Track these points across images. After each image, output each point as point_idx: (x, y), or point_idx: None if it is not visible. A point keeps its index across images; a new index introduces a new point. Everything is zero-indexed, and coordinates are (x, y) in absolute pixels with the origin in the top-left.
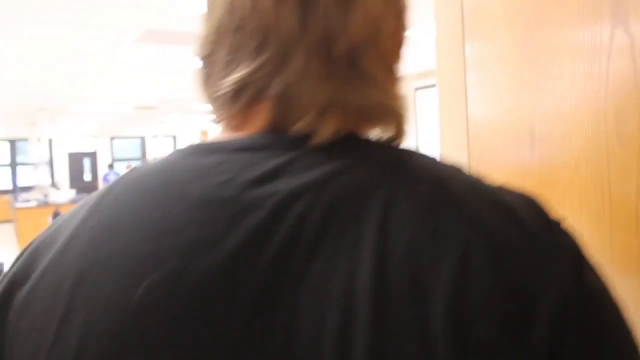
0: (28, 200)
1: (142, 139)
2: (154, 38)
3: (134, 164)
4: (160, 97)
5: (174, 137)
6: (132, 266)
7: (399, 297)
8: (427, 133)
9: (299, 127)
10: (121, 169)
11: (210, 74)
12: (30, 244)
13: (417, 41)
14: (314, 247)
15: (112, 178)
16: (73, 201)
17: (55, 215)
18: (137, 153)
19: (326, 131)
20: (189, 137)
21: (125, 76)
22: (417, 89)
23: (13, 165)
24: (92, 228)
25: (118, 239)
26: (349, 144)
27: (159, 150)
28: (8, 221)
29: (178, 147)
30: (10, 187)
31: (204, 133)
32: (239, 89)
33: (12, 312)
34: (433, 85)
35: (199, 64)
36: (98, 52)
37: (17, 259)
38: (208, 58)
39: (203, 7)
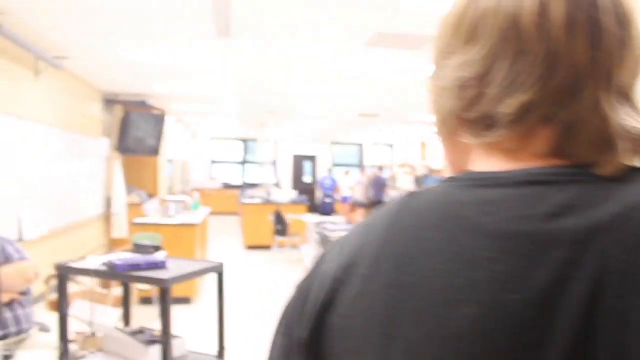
0: (253, 197)
1: (360, 146)
2: (383, 41)
3: (352, 170)
4: (384, 104)
5: (391, 146)
6: (448, 294)
7: None
8: None
9: (585, 156)
10: (339, 174)
11: (482, 94)
12: (336, 246)
13: None
14: (624, 284)
15: (327, 182)
16: (294, 202)
17: (277, 215)
18: (355, 159)
19: (613, 162)
20: (406, 147)
21: (352, 81)
22: None
23: (244, 163)
24: (395, 254)
25: (422, 266)
26: (634, 175)
27: (376, 159)
28: (236, 214)
29: (394, 156)
30: (240, 183)
31: (424, 145)
32: (524, 113)
33: (336, 309)
34: None
35: (463, 82)
36: (327, 54)
37: (325, 259)
38: (481, 78)
39: (441, 9)
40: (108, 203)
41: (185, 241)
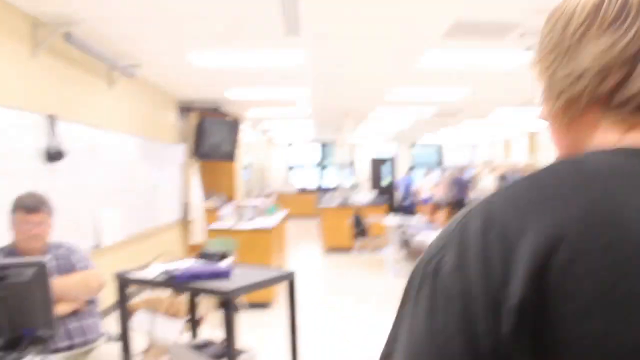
0: (331, 200)
1: (440, 147)
2: (463, 31)
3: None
4: (465, 100)
5: (473, 146)
6: None
7: None
8: None
9: None
10: (419, 175)
11: (630, 74)
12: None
13: None
14: None
15: (407, 183)
16: (373, 203)
17: (356, 217)
18: (434, 160)
19: None
20: (487, 145)
21: (429, 77)
22: None
23: (320, 167)
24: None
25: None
26: None
27: (456, 158)
28: (314, 217)
29: (475, 155)
30: (317, 186)
31: (507, 143)
32: None
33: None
34: None
35: (609, 63)
36: (402, 50)
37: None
38: (631, 58)
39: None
40: (185, 209)
41: (260, 246)
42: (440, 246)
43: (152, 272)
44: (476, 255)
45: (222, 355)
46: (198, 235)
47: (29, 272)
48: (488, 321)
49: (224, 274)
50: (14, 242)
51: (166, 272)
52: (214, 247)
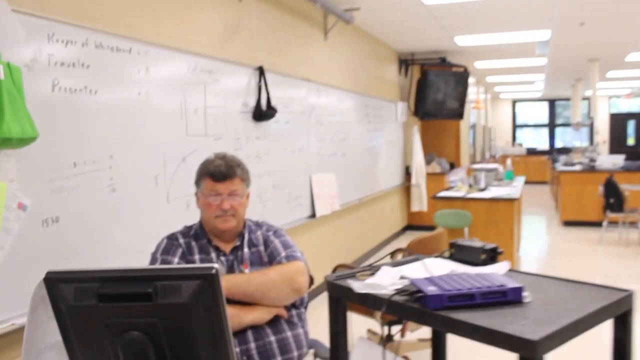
0: (571, 164)
1: None
2: None
3: None
4: None
5: None
6: None
7: None
8: None
9: None
10: None
11: None
12: None
13: None
14: None
15: None
16: (626, 169)
17: (610, 184)
18: None
19: None
20: None
21: None
22: None
23: (551, 126)
24: None
25: None
26: None
27: None
28: (545, 183)
29: None
30: (547, 148)
31: None
32: None
33: None
34: None
35: None
36: None
37: None
38: None
39: None
40: (406, 173)
41: (501, 221)
42: None
43: (384, 279)
44: None
45: None
46: (421, 203)
47: (190, 288)
48: None
49: (514, 296)
50: (200, 223)
51: (409, 290)
52: (446, 220)
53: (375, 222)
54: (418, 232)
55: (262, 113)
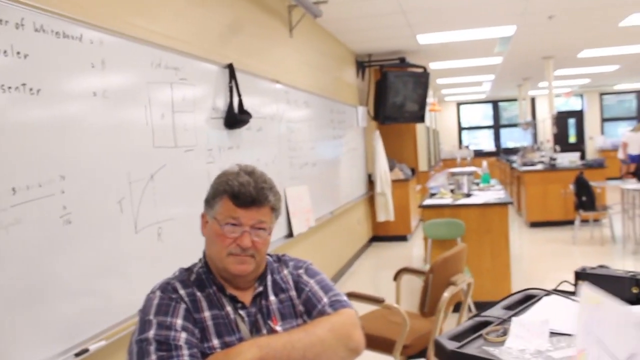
0: (533, 164)
1: (638, 94)
2: None
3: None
4: None
5: None
6: None
7: None
8: None
9: None
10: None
11: None
12: None
13: None
14: None
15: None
16: (588, 166)
17: (580, 181)
18: (630, 111)
19: None
20: None
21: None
22: None
23: (496, 127)
24: None
25: None
26: None
27: None
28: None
29: None
30: (493, 149)
31: None
32: None
33: None
34: None
35: None
36: None
37: None
38: None
39: None
40: (369, 182)
41: (495, 227)
42: None
43: (531, 340)
44: None
45: None
46: (387, 213)
47: None
48: None
49: None
50: (204, 262)
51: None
52: (438, 231)
53: (344, 236)
54: (384, 243)
55: (235, 119)
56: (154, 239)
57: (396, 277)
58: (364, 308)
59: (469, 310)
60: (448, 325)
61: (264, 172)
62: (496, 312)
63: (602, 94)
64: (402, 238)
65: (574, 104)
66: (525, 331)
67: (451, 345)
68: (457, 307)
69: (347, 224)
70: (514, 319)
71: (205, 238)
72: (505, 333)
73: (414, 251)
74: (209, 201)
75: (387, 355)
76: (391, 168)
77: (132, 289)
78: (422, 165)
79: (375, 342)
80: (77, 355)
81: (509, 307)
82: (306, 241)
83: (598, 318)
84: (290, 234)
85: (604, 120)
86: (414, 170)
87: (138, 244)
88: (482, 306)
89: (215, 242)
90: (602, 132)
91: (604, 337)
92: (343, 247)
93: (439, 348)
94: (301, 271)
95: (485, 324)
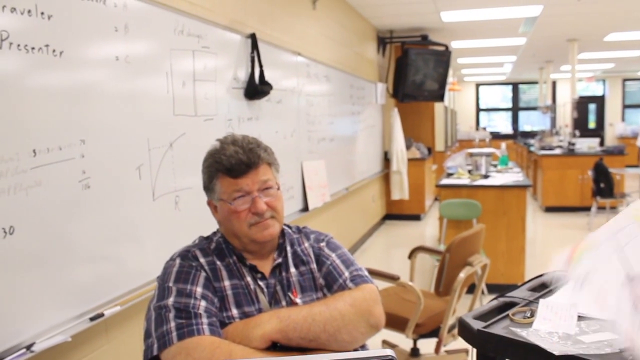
0: (551, 148)
1: None
2: None
3: None
4: None
5: None
6: None
7: None
8: None
9: None
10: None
11: None
12: None
13: None
14: None
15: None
16: (608, 152)
17: (599, 168)
18: None
19: None
20: None
21: None
22: None
23: (515, 109)
24: None
25: None
26: None
27: None
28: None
29: None
30: (510, 132)
31: None
32: None
33: None
34: None
35: None
36: None
37: None
38: None
39: None
40: (384, 159)
41: (512, 210)
42: None
43: (559, 323)
44: None
45: None
46: (402, 191)
47: None
48: None
49: None
50: (221, 234)
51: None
52: (455, 211)
53: (359, 213)
54: (398, 222)
55: (256, 89)
56: (172, 207)
57: (411, 255)
58: (377, 285)
59: (482, 292)
60: (461, 306)
61: (246, 134)
62: (521, 293)
63: (625, 80)
64: (416, 217)
65: (595, 89)
66: (553, 314)
67: (477, 325)
68: (471, 290)
69: (361, 201)
70: (541, 300)
71: (220, 223)
72: (532, 315)
73: (427, 231)
74: (208, 186)
75: (400, 332)
76: (408, 147)
77: (147, 257)
78: (439, 145)
79: (387, 319)
80: (92, 319)
81: (534, 289)
82: (321, 216)
83: (631, 232)
84: (305, 208)
85: (625, 107)
86: (430, 150)
87: (155, 211)
88: (495, 288)
89: (232, 221)
90: (623, 119)
91: (626, 247)
92: (357, 223)
93: (464, 327)
94: (323, 244)
95: (511, 304)
